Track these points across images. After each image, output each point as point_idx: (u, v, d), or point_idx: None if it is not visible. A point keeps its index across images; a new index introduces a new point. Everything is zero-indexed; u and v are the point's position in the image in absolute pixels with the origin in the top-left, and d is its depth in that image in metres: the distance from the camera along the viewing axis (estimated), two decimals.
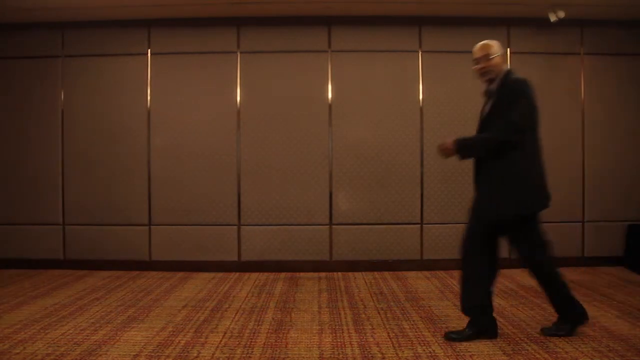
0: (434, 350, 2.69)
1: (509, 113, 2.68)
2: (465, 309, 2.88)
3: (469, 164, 4.90)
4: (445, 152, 2.86)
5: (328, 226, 4.84)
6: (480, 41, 2.84)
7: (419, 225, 4.85)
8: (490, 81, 2.85)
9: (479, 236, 2.85)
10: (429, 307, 3.55)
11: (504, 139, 2.69)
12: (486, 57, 2.81)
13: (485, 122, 2.84)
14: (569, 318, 2.87)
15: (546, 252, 2.84)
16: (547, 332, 2.91)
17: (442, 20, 4.88)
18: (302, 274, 4.71)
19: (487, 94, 2.89)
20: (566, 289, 2.84)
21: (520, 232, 2.82)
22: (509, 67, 2.90)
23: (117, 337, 2.91)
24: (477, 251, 2.84)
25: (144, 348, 2.75)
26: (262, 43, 4.88)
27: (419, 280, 4.40)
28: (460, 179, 4.84)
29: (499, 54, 2.83)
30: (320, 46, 4.88)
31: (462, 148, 2.83)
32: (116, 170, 4.86)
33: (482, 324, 2.85)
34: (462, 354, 2.64)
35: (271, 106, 4.84)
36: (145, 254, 4.86)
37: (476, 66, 2.86)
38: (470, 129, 4.81)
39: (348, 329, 3.07)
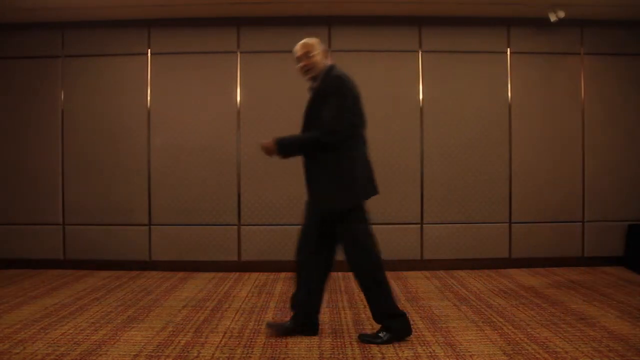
0: (434, 350, 2.69)
1: (326, 114, 2.74)
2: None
3: (468, 165, 4.93)
4: (266, 151, 2.84)
5: None
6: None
7: (419, 225, 4.85)
8: (314, 79, 2.89)
9: (314, 236, 2.88)
10: (429, 307, 3.55)
11: (323, 141, 2.75)
12: (306, 54, 2.85)
13: (306, 119, 2.86)
14: (391, 329, 2.81)
15: (368, 254, 2.83)
16: (363, 338, 2.84)
17: (442, 20, 4.88)
18: None
19: (311, 91, 2.93)
20: (390, 298, 2.82)
21: (345, 229, 2.83)
22: (330, 63, 2.90)
23: (117, 337, 2.91)
24: (312, 252, 2.90)
25: (144, 348, 2.75)
26: (262, 43, 4.88)
27: (419, 280, 4.40)
28: (460, 179, 4.85)
29: (320, 51, 2.87)
30: None
31: (282, 148, 2.82)
32: (116, 170, 4.86)
33: (304, 324, 2.90)
34: (462, 354, 2.64)
35: (271, 106, 4.84)
36: (145, 254, 4.85)
37: (298, 65, 2.89)
38: (469, 129, 4.86)
39: (348, 329, 3.07)
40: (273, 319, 3.29)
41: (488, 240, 4.86)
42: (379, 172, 4.79)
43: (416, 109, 4.87)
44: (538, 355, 2.60)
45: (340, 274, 4.70)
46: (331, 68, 2.87)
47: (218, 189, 4.84)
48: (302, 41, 2.92)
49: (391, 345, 2.78)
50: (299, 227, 3.06)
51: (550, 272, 4.65)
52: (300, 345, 2.79)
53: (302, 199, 4.87)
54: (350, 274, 4.60)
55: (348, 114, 2.79)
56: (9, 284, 4.25)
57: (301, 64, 2.89)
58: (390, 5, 4.60)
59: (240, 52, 4.88)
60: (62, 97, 4.90)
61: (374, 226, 4.79)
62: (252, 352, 2.69)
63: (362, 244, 2.82)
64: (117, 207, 4.86)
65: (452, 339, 2.87)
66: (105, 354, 2.65)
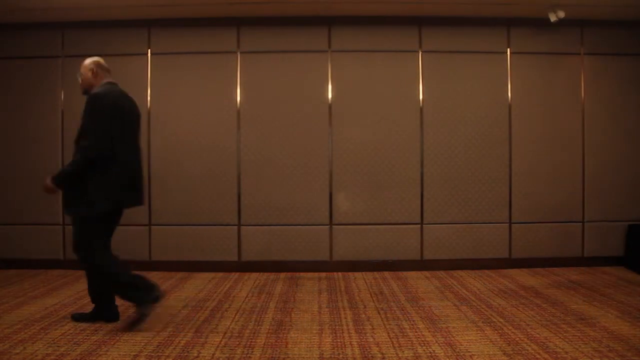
0: (434, 350, 2.69)
1: (86, 132, 2.96)
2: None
3: (468, 165, 4.92)
4: (48, 190, 3.02)
5: (328, 226, 4.84)
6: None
7: (419, 225, 4.86)
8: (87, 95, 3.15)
9: (90, 234, 3.04)
10: (429, 307, 3.55)
11: (88, 159, 2.92)
12: (80, 72, 3.17)
13: (77, 134, 3.05)
14: (104, 316, 3.19)
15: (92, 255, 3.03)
16: (75, 316, 3.22)
17: (442, 20, 4.88)
18: (302, 274, 4.71)
19: None
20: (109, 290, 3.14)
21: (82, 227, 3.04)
22: (107, 81, 3.16)
23: (117, 337, 2.91)
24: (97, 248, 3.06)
25: (144, 348, 2.75)
26: (262, 43, 4.88)
27: (419, 280, 4.40)
28: (460, 179, 4.85)
29: (89, 69, 3.15)
30: (320, 46, 4.88)
31: (60, 182, 2.98)
32: None
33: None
34: (462, 354, 2.64)
35: (271, 106, 4.85)
36: (145, 254, 4.85)
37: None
38: (469, 129, 4.87)
39: (348, 329, 3.07)
40: (273, 318, 3.30)
41: (488, 240, 4.86)
42: (378, 172, 4.86)
43: (416, 109, 4.87)
44: (538, 355, 2.60)
45: (340, 274, 4.70)
46: (101, 86, 3.11)
47: (218, 189, 4.84)
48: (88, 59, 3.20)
49: (391, 345, 2.78)
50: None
51: (550, 272, 4.66)
52: (300, 345, 2.80)
53: (302, 199, 4.91)
54: (350, 274, 4.64)
55: (101, 131, 2.95)
56: (9, 284, 4.25)
57: (79, 79, 3.20)
58: (390, 5, 4.60)
59: (240, 52, 4.88)
60: (62, 97, 4.90)
61: (373, 226, 4.85)
62: (252, 352, 2.69)
63: (89, 244, 3.02)
64: None
65: (452, 339, 2.88)
66: (105, 354, 2.66)
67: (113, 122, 2.99)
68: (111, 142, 2.96)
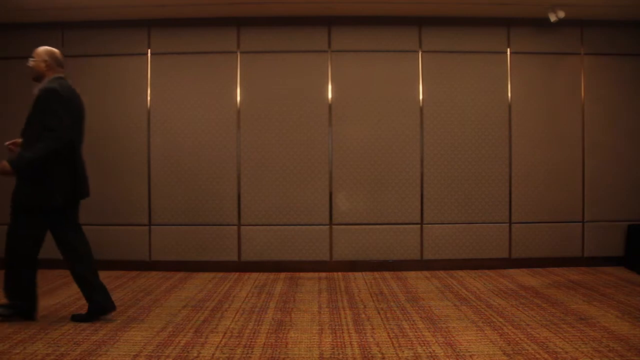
0: (434, 350, 2.69)
1: (48, 123, 2.95)
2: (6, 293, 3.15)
3: (468, 165, 4.91)
4: (4, 174, 3.02)
5: (328, 226, 4.84)
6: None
7: (419, 225, 4.86)
8: (37, 83, 3.12)
9: (24, 226, 3.13)
10: (429, 307, 3.55)
11: (51, 148, 2.94)
12: (33, 59, 3.12)
13: (25, 125, 3.10)
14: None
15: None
16: (75, 317, 3.20)
17: (442, 20, 4.88)
18: (302, 274, 4.71)
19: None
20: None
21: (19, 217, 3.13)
22: (58, 76, 3.13)
23: (117, 337, 2.91)
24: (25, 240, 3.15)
25: (144, 348, 2.75)
26: (262, 43, 4.88)
27: (419, 280, 4.40)
28: (460, 179, 4.85)
29: (43, 59, 3.11)
30: (320, 46, 4.88)
31: (21, 167, 2.99)
32: (116, 170, 4.86)
33: (22, 307, 3.14)
34: (462, 354, 2.64)
35: (271, 106, 4.85)
36: (145, 254, 4.85)
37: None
38: (469, 129, 4.87)
39: (348, 329, 3.07)
40: (273, 318, 3.30)
41: (488, 240, 4.86)
42: (378, 172, 4.86)
43: (416, 109, 4.87)
44: (538, 355, 2.60)
45: (340, 274, 4.71)
46: (53, 80, 3.08)
47: (218, 189, 4.84)
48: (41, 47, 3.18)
49: (391, 345, 2.78)
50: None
51: (550, 272, 4.65)
52: (300, 345, 2.80)
53: (302, 199, 4.91)
54: (350, 274, 4.64)
55: (69, 123, 3.02)
56: None
57: (28, 64, 3.14)
58: (390, 5, 4.60)
59: (240, 52, 4.88)
60: None
61: (373, 226, 4.85)
62: (252, 352, 2.69)
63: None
64: (117, 207, 4.85)
65: (452, 339, 2.88)
66: (105, 354, 2.65)
67: (68, 118, 3.03)
68: (66, 140, 3.03)
